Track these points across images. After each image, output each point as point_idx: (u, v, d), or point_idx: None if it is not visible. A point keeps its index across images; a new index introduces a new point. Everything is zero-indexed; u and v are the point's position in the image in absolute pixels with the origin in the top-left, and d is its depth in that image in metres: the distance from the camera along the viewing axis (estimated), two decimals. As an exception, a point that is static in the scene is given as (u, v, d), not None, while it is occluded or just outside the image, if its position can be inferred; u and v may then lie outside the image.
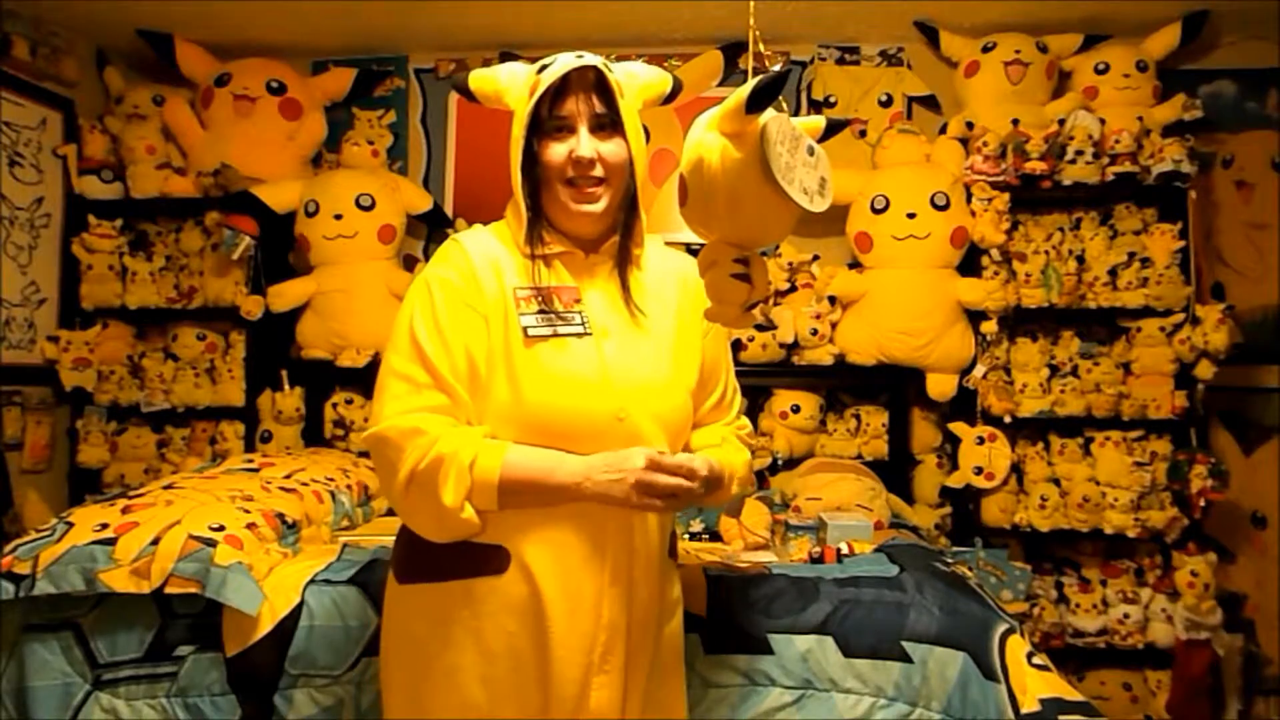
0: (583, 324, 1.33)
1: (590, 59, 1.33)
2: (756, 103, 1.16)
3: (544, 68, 1.33)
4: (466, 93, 1.43)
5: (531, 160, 1.33)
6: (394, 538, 1.43)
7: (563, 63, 1.32)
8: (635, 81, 1.42)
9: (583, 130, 1.33)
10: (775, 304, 3.09)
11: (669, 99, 1.47)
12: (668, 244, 1.55)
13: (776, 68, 3.34)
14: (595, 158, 1.32)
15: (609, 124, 1.34)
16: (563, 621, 1.27)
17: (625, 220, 1.39)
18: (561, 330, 1.31)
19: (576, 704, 1.28)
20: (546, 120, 1.32)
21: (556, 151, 1.32)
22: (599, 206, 1.34)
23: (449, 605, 1.30)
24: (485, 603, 1.28)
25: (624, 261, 1.39)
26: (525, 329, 1.30)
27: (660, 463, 1.22)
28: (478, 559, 1.29)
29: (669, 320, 1.41)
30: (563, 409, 1.28)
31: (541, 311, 1.31)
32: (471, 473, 1.22)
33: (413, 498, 1.24)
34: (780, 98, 1.19)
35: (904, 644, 1.72)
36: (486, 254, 1.35)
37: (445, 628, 1.30)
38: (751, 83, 1.16)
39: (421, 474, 1.22)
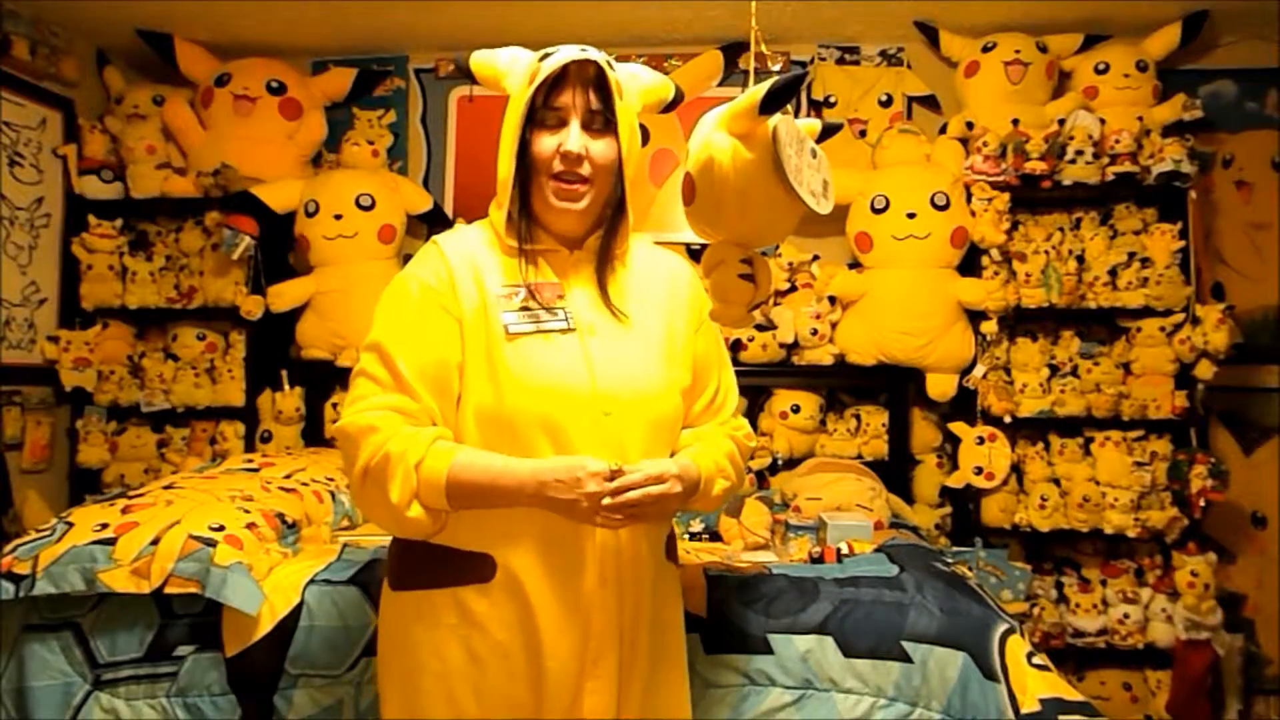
0: (566, 320, 1.32)
1: (593, 54, 1.32)
2: (771, 104, 1.16)
3: (546, 56, 1.32)
4: (467, 73, 1.42)
5: (522, 150, 1.32)
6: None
7: (565, 54, 1.30)
8: (637, 84, 1.40)
9: (575, 124, 1.31)
10: (775, 304, 3.09)
11: (670, 107, 1.46)
12: (666, 244, 1.54)
13: (776, 68, 3.35)
14: (583, 154, 1.30)
15: (603, 122, 1.32)
16: (553, 628, 1.27)
17: (611, 219, 1.37)
18: (544, 326, 1.30)
19: (570, 708, 1.28)
20: (540, 110, 1.31)
21: (546, 143, 1.31)
22: (580, 205, 1.32)
23: (438, 612, 1.30)
24: (473, 611, 1.28)
25: (604, 260, 1.38)
26: (506, 326, 1.29)
27: (616, 479, 1.20)
28: (464, 567, 1.29)
29: (656, 318, 1.39)
30: (547, 404, 1.26)
31: (524, 309, 1.31)
32: (418, 473, 1.22)
33: (367, 492, 1.25)
34: (782, 99, 1.19)
35: (904, 644, 1.72)
36: (466, 256, 1.34)
37: (436, 634, 1.30)
38: (767, 83, 1.16)
39: (374, 469, 1.23)
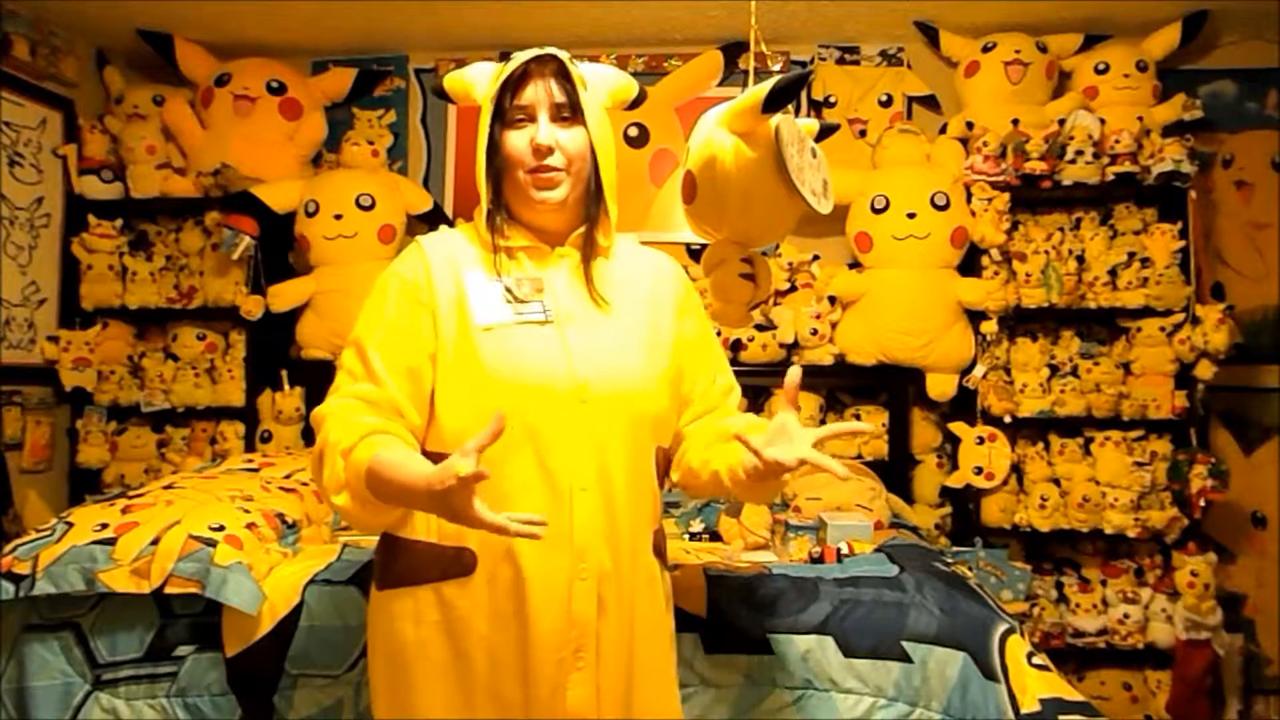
0: (544, 312, 1.33)
1: (553, 50, 1.36)
2: (775, 102, 1.16)
3: (508, 61, 1.36)
4: (442, 94, 1.47)
5: (494, 151, 1.35)
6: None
7: (524, 54, 1.35)
8: (602, 80, 1.44)
9: (542, 117, 1.33)
10: (775, 304, 3.10)
11: (633, 105, 1.50)
12: (666, 244, 1.54)
13: (776, 67, 3.35)
14: (554, 145, 1.32)
15: (569, 112, 1.35)
16: (534, 619, 1.27)
17: (591, 212, 1.39)
18: (520, 318, 1.31)
19: (552, 702, 1.28)
20: (508, 110, 1.34)
21: (517, 140, 1.33)
22: (558, 194, 1.34)
23: (422, 610, 1.30)
24: (455, 606, 1.28)
25: (589, 253, 1.39)
26: (481, 318, 1.30)
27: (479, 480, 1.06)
28: (446, 562, 1.29)
29: (640, 311, 1.40)
30: (522, 395, 1.26)
31: (501, 301, 1.32)
32: (345, 460, 1.22)
33: (317, 474, 1.28)
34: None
35: (904, 644, 1.72)
36: (446, 253, 1.36)
37: (420, 631, 1.30)
38: (770, 82, 1.17)
39: (319, 453, 1.26)
